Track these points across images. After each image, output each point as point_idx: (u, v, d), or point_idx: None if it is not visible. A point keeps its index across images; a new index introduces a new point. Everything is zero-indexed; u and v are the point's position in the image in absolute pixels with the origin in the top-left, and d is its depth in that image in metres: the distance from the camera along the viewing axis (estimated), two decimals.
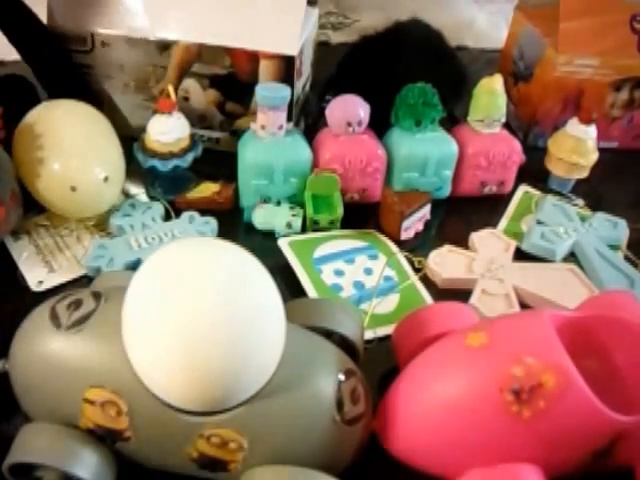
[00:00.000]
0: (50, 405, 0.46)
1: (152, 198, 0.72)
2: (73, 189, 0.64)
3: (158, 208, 0.70)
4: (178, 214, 0.70)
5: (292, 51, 0.75)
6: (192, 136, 0.73)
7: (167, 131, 0.70)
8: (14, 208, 0.64)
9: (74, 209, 0.67)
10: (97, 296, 0.47)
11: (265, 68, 0.76)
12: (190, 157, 0.72)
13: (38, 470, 0.45)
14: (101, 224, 0.70)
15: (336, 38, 1.18)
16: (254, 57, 0.76)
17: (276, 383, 0.44)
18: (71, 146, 0.65)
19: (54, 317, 0.46)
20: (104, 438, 0.45)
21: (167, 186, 0.73)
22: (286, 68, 0.76)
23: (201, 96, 0.80)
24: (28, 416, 0.47)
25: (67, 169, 0.64)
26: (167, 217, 0.71)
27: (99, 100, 0.74)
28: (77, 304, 0.46)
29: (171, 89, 0.72)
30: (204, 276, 0.41)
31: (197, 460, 0.45)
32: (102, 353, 0.44)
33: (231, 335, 0.40)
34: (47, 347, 0.45)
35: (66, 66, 0.76)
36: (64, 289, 0.63)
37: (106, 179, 0.66)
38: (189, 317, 0.40)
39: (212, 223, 0.69)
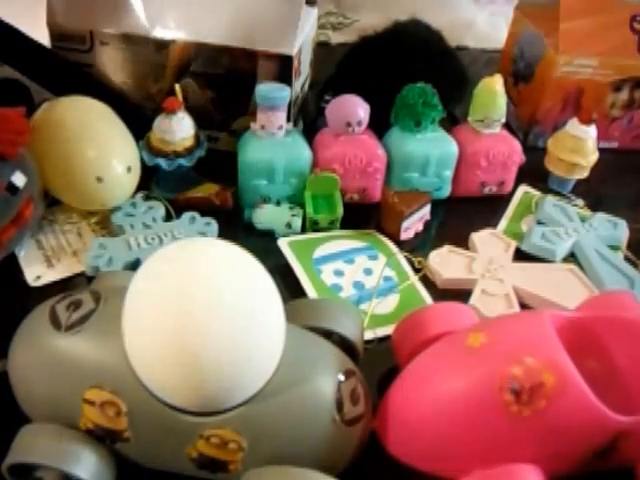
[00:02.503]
0: (49, 405, 0.46)
1: (155, 198, 0.72)
2: (99, 180, 0.65)
3: (159, 208, 0.70)
4: (179, 215, 0.70)
5: (290, 51, 0.75)
6: (197, 136, 0.73)
7: (172, 130, 0.70)
8: (41, 204, 0.65)
9: (98, 200, 0.68)
10: (97, 296, 0.47)
11: (263, 68, 0.76)
12: (195, 156, 0.72)
13: (38, 470, 0.45)
14: (103, 222, 0.70)
15: (336, 38, 1.19)
16: (252, 57, 0.76)
17: (276, 383, 0.44)
18: (94, 139, 0.66)
19: (54, 317, 0.46)
20: (103, 438, 0.45)
21: (171, 185, 0.73)
22: (284, 68, 0.76)
23: (199, 95, 0.80)
24: (27, 416, 0.47)
25: (92, 161, 0.65)
26: (168, 217, 0.71)
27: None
28: (77, 304, 0.47)
29: (178, 88, 0.72)
30: (203, 277, 0.41)
31: (197, 460, 0.45)
32: (101, 353, 0.44)
33: (231, 336, 0.40)
34: (47, 347, 0.45)
35: (65, 64, 0.77)
36: (61, 285, 0.63)
37: (129, 169, 0.67)
38: (188, 318, 0.40)
39: (213, 224, 0.69)
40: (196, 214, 0.69)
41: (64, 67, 0.77)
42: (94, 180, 0.65)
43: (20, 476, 0.45)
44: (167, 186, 0.74)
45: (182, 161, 0.71)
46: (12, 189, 0.60)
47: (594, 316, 0.51)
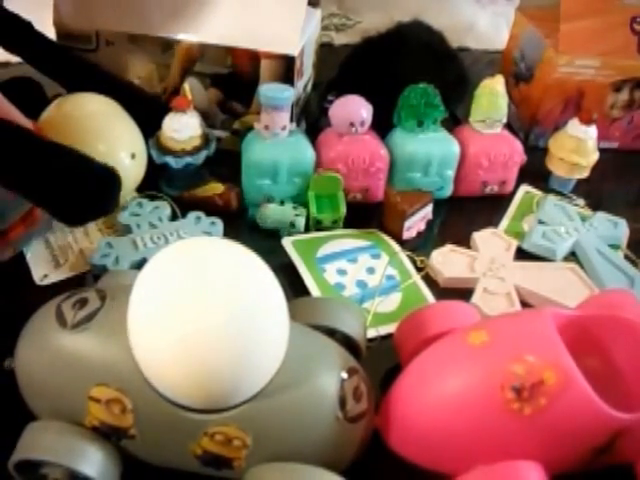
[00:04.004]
0: (56, 403, 0.46)
1: (160, 197, 0.72)
2: None
3: (165, 208, 0.70)
4: (185, 214, 0.70)
5: (292, 51, 0.75)
6: (205, 135, 0.74)
7: (181, 129, 0.71)
8: None
9: None
10: (102, 295, 0.47)
11: (266, 68, 0.77)
12: (203, 155, 0.73)
13: (44, 467, 0.45)
14: (110, 221, 0.71)
15: (339, 39, 1.19)
16: (255, 57, 0.76)
17: (279, 381, 0.44)
18: (98, 128, 0.67)
19: (60, 316, 0.46)
20: (109, 436, 0.45)
21: (179, 183, 0.74)
22: (287, 68, 0.76)
23: (203, 95, 0.80)
24: (34, 414, 0.47)
25: (97, 149, 0.66)
26: (174, 217, 0.71)
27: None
28: (82, 303, 0.47)
29: (187, 88, 0.73)
30: (208, 275, 0.41)
31: (201, 457, 0.45)
32: (107, 351, 0.45)
33: (235, 333, 0.41)
34: (53, 346, 0.46)
35: (76, 61, 0.77)
36: (68, 284, 0.63)
37: (133, 156, 0.68)
38: (193, 315, 0.40)
39: (218, 224, 0.69)
40: (201, 214, 0.70)
41: (78, 63, 0.77)
42: None
43: (26, 473, 0.46)
44: (175, 184, 0.74)
45: (190, 159, 0.72)
46: None
47: (594, 315, 0.51)
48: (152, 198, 0.72)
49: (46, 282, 0.64)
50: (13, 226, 0.61)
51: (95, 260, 0.64)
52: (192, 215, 0.70)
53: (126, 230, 0.68)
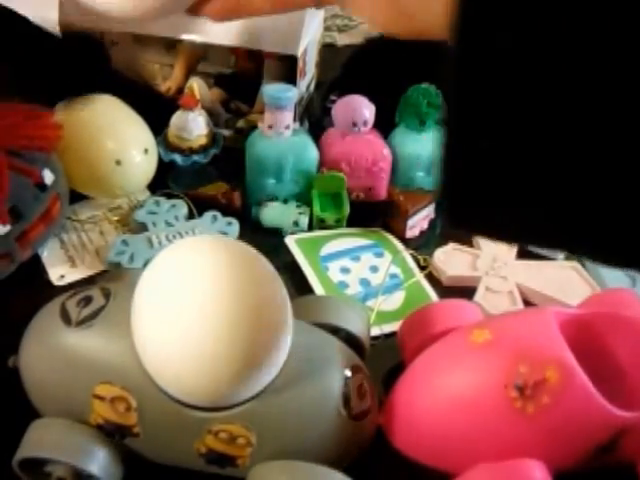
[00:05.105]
0: (60, 401, 0.46)
1: (175, 196, 0.73)
2: (118, 163, 0.67)
3: (182, 207, 0.70)
4: (201, 213, 0.70)
5: (295, 52, 0.75)
6: (213, 133, 0.75)
7: (188, 127, 0.72)
8: (66, 204, 0.66)
9: (118, 183, 0.69)
10: (106, 293, 0.47)
11: (269, 68, 0.77)
12: (210, 154, 0.74)
13: (48, 465, 0.46)
14: (125, 220, 0.71)
15: (342, 40, 1.19)
16: (258, 57, 0.76)
17: (283, 379, 0.45)
18: (109, 126, 0.68)
19: (64, 313, 0.46)
20: (113, 434, 0.46)
21: (185, 181, 0.74)
22: (289, 68, 0.76)
23: (207, 94, 0.80)
24: (38, 411, 0.47)
25: (111, 146, 0.67)
26: (190, 216, 0.71)
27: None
28: (87, 300, 0.47)
29: (195, 86, 0.73)
30: (212, 273, 0.41)
31: (205, 455, 0.45)
32: (111, 349, 0.45)
33: (239, 331, 0.41)
34: (57, 343, 0.46)
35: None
36: (85, 283, 0.63)
37: (146, 151, 0.69)
38: (197, 314, 0.40)
39: (234, 224, 0.69)
40: (218, 213, 0.69)
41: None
42: (113, 164, 0.67)
43: (30, 471, 0.46)
44: (181, 182, 0.75)
45: (197, 158, 0.73)
46: (41, 186, 0.61)
47: (596, 313, 0.51)
48: (169, 197, 0.72)
49: (63, 282, 0.64)
50: (33, 225, 0.61)
51: (110, 257, 0.64)
52: (208, 214, 0.69)
53: (142, 228, 0.68)
